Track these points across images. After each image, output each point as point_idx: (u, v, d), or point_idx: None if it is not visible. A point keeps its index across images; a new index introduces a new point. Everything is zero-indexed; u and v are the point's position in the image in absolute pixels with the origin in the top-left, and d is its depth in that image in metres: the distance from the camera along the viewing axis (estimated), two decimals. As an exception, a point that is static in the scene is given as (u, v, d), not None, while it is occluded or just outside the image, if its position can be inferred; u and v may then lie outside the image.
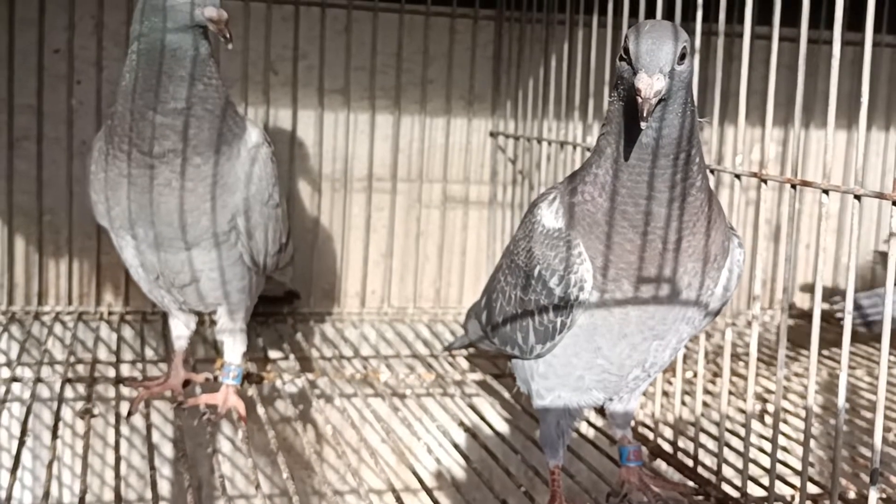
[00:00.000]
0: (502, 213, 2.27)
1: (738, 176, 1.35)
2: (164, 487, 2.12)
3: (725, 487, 1.39)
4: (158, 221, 1.49)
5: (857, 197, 1.12)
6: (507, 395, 1.80)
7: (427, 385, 1.87)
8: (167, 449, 2.13)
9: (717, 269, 1.18)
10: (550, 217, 1.20)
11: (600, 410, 1.62)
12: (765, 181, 1.29)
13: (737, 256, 1.21)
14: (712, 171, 1.38)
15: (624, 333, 1.19)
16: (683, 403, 1.70)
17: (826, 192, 1.17)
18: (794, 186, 1.24)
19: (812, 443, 1.56)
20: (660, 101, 1.03)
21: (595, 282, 1.15)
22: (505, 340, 1.32)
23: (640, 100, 1.01)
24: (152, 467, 1.32)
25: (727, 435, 1.43)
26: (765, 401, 1.84)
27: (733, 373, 1.92)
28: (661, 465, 1.61)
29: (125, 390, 1.75)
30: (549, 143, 1.97)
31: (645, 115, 1.01)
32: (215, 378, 1.73)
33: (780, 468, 1.36)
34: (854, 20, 1.17)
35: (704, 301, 1.19)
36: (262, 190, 1.54)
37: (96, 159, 1.53)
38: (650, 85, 1.01)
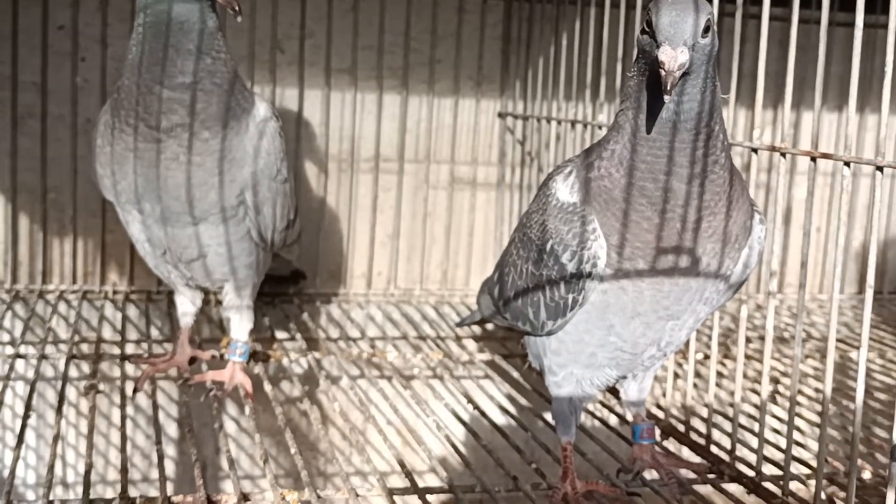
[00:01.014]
0: (510, 195, 2.25)
1: (754, 150, 1.32)
2: (169, 467, 2.11)
3: (739, 466, 1.37)
4: (165, 196, 1.47)
5: (880, 168, 1.10)
6: (515, 374, 1.79)
7: (434, 365, 1.85)
8: (171, 429, 2.12)
9: (738, 249, 1.16)
10: (565, 191, 1.18)
11: (612, 389, 1.60)
12: (784, 155, 1.26)
13: (758, 233, 1.19)
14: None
15: (637, 312, 1.16)
16: (695, 385, 1.68)
17: (848, 164, 1.15)
18: (813, 159, 1.22)
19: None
20: (683, 74, 1.01)
21: (609, 259, 1.13)
22: (516, 316, 1.30)
23: (663, 73, 0.98)
24: (158, 441, 1.30)
25: (740, 416, 1.41)
26: (777, 381, 1.82)
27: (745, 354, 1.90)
28: (672, 445, 1.59)
29: (130, 369, 1.73)
30: (559, 123, 1.95)
31: (669, 87, 0.99)
32: (221, 356, 1.71)
33: (794, 448, 1.34)
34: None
35: (723, 280, 1.17)
36: (270, 164, 1.52)
37: (102, 133, 1.51)
38: (674, 58, 0.99)
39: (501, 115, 2.27)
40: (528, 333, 1.31)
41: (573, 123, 1.88)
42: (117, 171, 1.49)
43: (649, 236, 1.10)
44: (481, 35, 2.23)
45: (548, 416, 1.55)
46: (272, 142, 1.52)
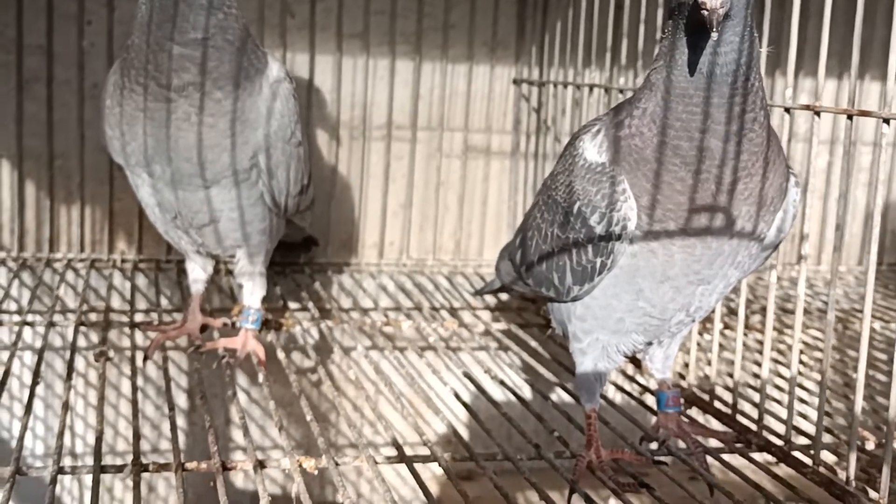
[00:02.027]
0: (525, 164, 2.20)
1: (788, 110, 1.28)
2: (180, 436, 2.07)
3: (767, 435, 1.33)
4: (176, 157, 1.43)
5: (922, 124, 1.05)
6: (533, 343, 1.75)
7: (449, 335, 1.81)
8: (181, 399, 2.09)
9: (773, 212, 1.11)
10: (593, 150, 1.13)
11: (634, 359, 1.56)
12: (818, 113, 1.22)
13: (793, 196, 1.14)
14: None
15: (668, 276, 1.12)
16: (720, 355, 1.64)
17: (887, 121, 1.10)
18: (850, 117, 1.17)
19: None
20: (723, 18, 0.96)
21: (639, 221, 1.09)
22: (540, 281, 1.25)
23: (706, 12, 0.93)
24: (171, 409, 1.27)
25: (766, 387, 1.37)
26: (801, 352, 1.78)
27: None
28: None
29: (140, 338, 1.69)
30: (578, 88, 1.90)
31: (714, 25, 0.94)
32: (233, 324, 1.68)
33: (827, 421, 1.30)
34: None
35: (757, 244, 1.12)
36: (284, 127, 1.48)
37: (111, 93, 1.47)
38: None
39: (516, 82, 2.22)
40: (551, 300, 1.27)
41: (592, 88, 1.83)
42: (127, 132, 1.45)
43: (682, 198, 1.05)
44: (496, -1, 2.18)
45: (569, 386, 1.52)
46: (286, 103, 1.48)
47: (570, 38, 1.95)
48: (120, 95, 1.44)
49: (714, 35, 0.95)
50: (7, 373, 1.37)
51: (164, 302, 1.95)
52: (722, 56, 1.00)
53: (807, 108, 1.23)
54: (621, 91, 1.68)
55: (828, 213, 2.46)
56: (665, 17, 1.07)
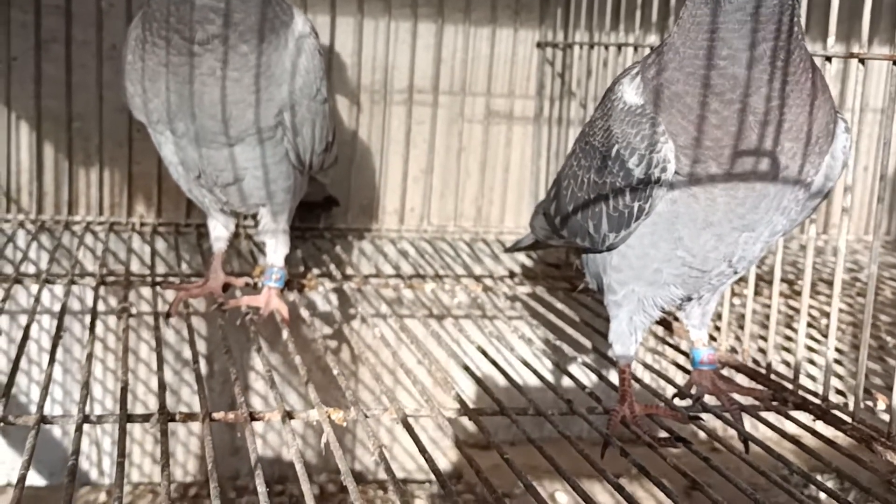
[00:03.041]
0: (548, 130, 2.17)
1: (829, 59, 1.24)
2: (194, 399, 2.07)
3: (803, 394, 1.30)
4: (201, 114, 1.40)
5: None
6: (560, 305, 1.72)
7: (474, 298, 1.78)
8: (202, 362, 2.07)
9: (820, 153, 1.07)
10: (632, 93, 1.10)
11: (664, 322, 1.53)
12: (862, 61, 1.18)
13: (842, 142, 1.10)
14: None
15: (710, 222, 1.09)
16: (754, 313, 1.61)
17: (934, 64, 1.07)
18: (895, 62, 1.13)
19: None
20: None
21: (679, 163, 1.06)
22: (574, 231, 1.23)
23: None
24: (195, 361, 1.25)
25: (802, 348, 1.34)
26: (852, 324, 1.76)
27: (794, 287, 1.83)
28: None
29: (161, 302, 1.67)
30: (606, 48, 1.86)
31: None
32: (255, 284, 1.65)
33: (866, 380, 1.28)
34: None
35: (803, 187, 1.08)
36: (309, 83, 1.45)
37: (133, 48, 1.44)
38: None
39: (540, 45, 2.18)
40: (587, 250, 1.24)
41: (620, 48, 1.80)
42: (149, 87, 1.42)
43: (720, 133, 1.02)
44: (521, -40, 2.14)
45: (600, 347, 1.49)
46: (311, 59, 1.45)
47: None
48: (142, 50, 1.41)
49: None
50: (26, 335, 1.35)
51: (183, 266, 1.92)
52: None
53: (851, 55, 1.19)
54: (652, 47, 1.64)
55: (856, 180, 2.42)
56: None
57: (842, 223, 1.22)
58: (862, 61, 1.18)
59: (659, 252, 1.13)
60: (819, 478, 1.10)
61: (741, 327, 1.52)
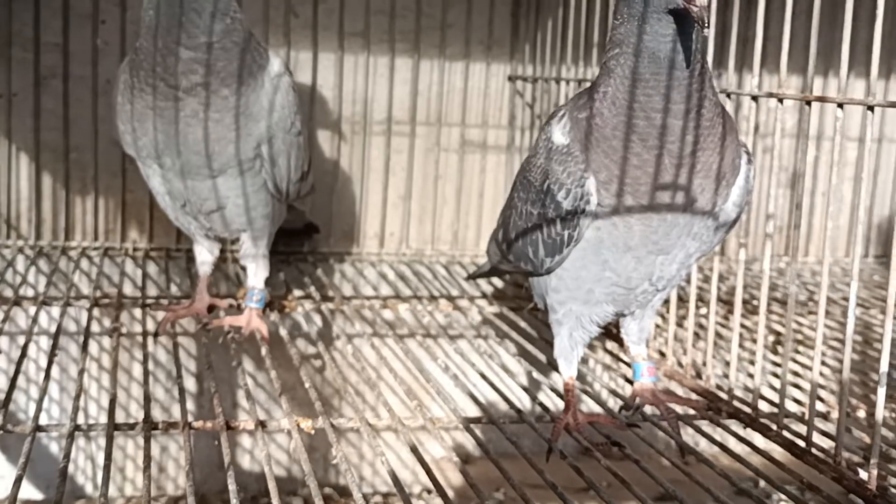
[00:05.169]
0: (520, 158, 2.29)
1: (755, 98, 1.37)
2: (189, 404, 2.17)
3: (736, 404, 1.42)
4: (185, 150, 1.53)
5: (870, 108, 1.14)
6: (523, 324, 1.84)
7: (447, 319, 1.90)
8: (190, 382, 2.18)
9: (727, 186, 1.20)
10: (559, 133, 1.23)
11: (616, 337, 1.65)
12: (781, 101, 1.31)
13: (745, 173, 1.23)
14: (728, 95, 1.40)
15: (629, 247, 1.22)
16: (696, 335, 1.72)
17: (841, 105, 1.19)
18: (808, 103, 1.26)
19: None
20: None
21: (600, 196, 1.18)
22: (519, 256, 1.35)
23: (695, 9, 1.04)
24: (179, 376, 1.36)
25: (738, 361, 1.46)
26: (778, 333, 1.87)
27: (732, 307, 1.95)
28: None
29: (150, 323, 1.79)
30: (568, 83, 1.99)
31: (707, 22, 1.04)
32: (238, 305, 1.77)
33: (790, 390, 1.40)
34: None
35: (712, 217, 1.21)
36: (284, 118, 1.58)
37: (122, 91, 1.56)
38: None
39: (511, 79, 2.31)
40: (530, 274, 1.36)
41: (580, 83, 1.92)
42: (138, 127, 1.55)
43: (638, 172, 1.15)
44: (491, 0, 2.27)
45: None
46: (286, 96, 1.58)
47: (560, 36, 2.04)
48: (130, 94, 1.53)
49: (706, 31, 1.05)
50: (24, 354, 1.46)
51: (173, 289, 2.04)
52: (681, 43, 1.09)
53: (771, 95, 1.32)
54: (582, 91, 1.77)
55: (815, 205, 2.54)
56: (618, 5, 1.16)
57: (764, 247, 1.34)
58: (780, 100, 1.31)
59: (590, 273, 1.26)
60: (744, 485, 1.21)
61: (695, 345, 1.64)
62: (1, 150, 2.09)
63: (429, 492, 2.23)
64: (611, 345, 1.84)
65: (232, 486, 1.05)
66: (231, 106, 1.50)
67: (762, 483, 2.00)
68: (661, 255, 1.23)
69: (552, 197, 1.21)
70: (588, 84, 1.86)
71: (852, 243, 1.20)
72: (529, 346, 1.73)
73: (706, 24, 1.05)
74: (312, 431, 1.27)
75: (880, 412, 1.12)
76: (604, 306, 1.30)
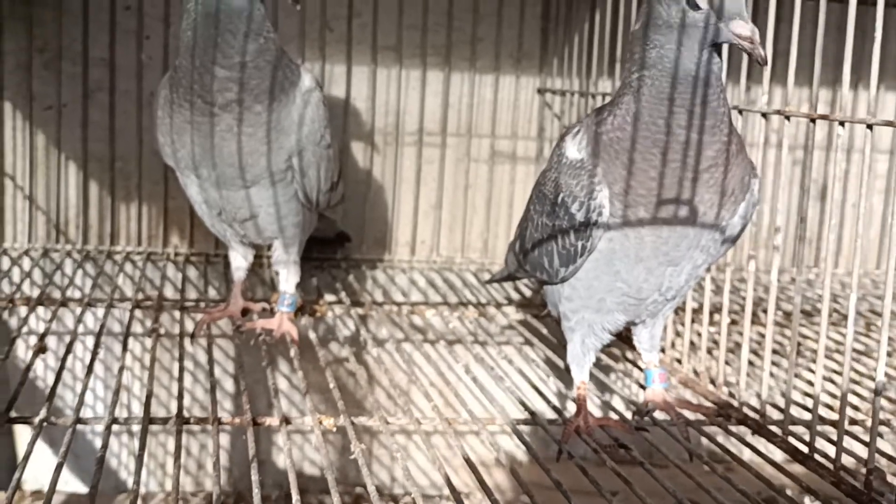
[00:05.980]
0: (548, 168, 2.35)
1: (764, 115, 1.41)
2: (224, 401, 2.26)
3: (746, 411, 1.46)
4: (220, 163, 1.61)
5: (870, 126, 1.18)
6: (545, 331, 1.89)
7: (474, 324, 1.96)
8: (228, 383, 2.27)
9: (735, 202, 1.25)
10: (574, 149, 1.29)
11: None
12: (788, 118, 1.35)
13: (754, 188, 1.28)
14: (740, 112, 1.45)
15: (640, 258, 1.27)
16: (715, 342, 1.77)
17: (842, 123, 1.23)
18: (812, 120, 1.31)
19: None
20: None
21: (613, 208, 1.24)
22: (534, 266, 1.41)
23: (747, 44, 1.12)
24: (211, 373, 1.44)
25: (751, 368, 1.50)
26: (799, 344, 1.90)
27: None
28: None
29: (188, 323, 1.88)
30: (594, 97, 2.04)
31: (764, 58, 1.13)
32: (271, 309, 1.85)
33: (795, 396, 1.43)
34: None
35: (719, 230, 1.26)
36: (314, 131, 1.65)
37: (162, 105, 1.65)
38: (754, 31, 1.13)
39: (540, 91, 2.37)
40: (545, 283, 1.42)
41: (604, 97, 1.97)
42: (176, 140, 1.63)
43: (652, 184, 1.20)
44: (521, 14, 2.33)
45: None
46: (316, 110, 1.65)
47: (587, 51, 2.10)
48: (170, 109, 1.62)
49: (766, 68, 1.19)
50: (69, 351, 1.56)
51: (212, 292, 2.13)
52: (713, 66, 1.15)
53: (778, 112, 1.36)
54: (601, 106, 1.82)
55: (845, 218, 2.56)
56: (642, 27, 1.21)
57: (773, 259, 1.38)
58: (787, 117, 1.35)
59: (601, 283, 1.31)
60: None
61: (710, 352, 1.68)
62: (51, 160, 2.20)
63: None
64: (629, 353, 1.89)
65: (255, 477, 1.12)
66: (263, 121, 1.58)
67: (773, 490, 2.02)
68: (670, 267, 1.28)
69: (566, 209, 1.27)
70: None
71: (885, 255, 1.24)
72: (550, 353, 1.78)
73: (765, 62, 1.13)
74: (334, 429, 1.34)
75: (875, 419, 1.16)
76: (615, 315, 1.35)
